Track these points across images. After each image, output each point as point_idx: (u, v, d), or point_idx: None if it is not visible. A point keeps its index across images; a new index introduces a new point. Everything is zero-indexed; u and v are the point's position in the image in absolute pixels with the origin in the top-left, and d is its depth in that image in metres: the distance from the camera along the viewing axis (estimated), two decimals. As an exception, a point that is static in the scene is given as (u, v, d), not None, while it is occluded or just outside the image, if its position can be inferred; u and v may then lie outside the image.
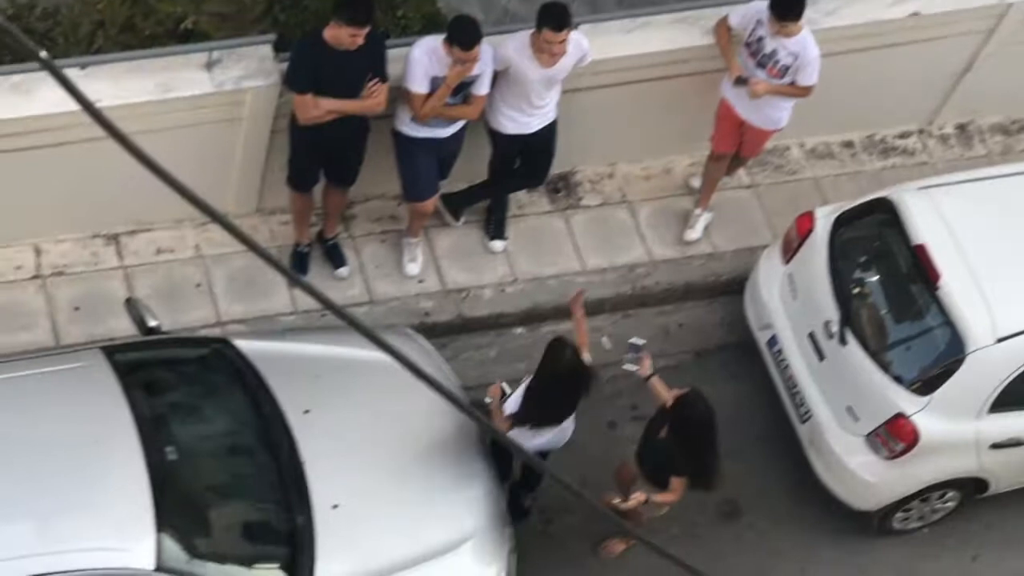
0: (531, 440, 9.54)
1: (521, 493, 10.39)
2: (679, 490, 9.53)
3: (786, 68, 10.60)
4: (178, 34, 10.26)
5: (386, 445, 9.71)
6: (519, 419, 9.43)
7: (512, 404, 9.50)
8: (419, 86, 9.99)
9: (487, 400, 9.70)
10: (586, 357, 9.45)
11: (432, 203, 10.67)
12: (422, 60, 9.98)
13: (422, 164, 10.40)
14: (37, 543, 8.60)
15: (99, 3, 10.16)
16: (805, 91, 10.76)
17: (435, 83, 10.02)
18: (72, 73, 9.69)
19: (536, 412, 9.50)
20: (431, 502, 9.60)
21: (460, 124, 10.46)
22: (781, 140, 12.12)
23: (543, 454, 9.72)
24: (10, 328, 10.34)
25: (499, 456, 9.99)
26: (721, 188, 11.77)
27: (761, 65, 10.63)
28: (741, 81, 10.72)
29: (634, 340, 9.84)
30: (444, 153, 10.54)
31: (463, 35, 9.87)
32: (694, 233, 11.64)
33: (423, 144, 10.31)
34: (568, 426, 9.69)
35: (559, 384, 9.42)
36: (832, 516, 10.89)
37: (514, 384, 9.73)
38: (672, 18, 11.09)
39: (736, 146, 11.31)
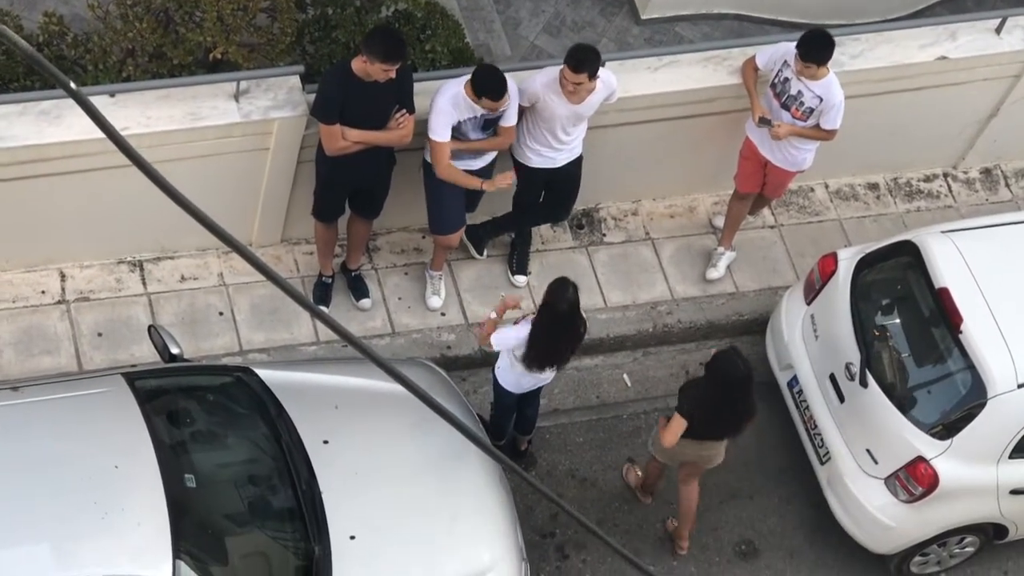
0: (523, 378, 10.07)
1: (517, 437, 10.74)
2: (675, 428, 9.81)
3: (810, 111, 10.62)
4: (207, 64, 10.22)
5: (404, 477, 9.73)
6: (525, 361, 9.82)
7: (504, 339, 9.89)
8: (442, 135, 10.03)
9: (491, 314, 9.99)
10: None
11: (457, 237, 10.69)
12: (446, 110, 10.01)
13: (450, 197, 10.41)
14: (56, 567, 8.64)
15: (129, 31, 10.12)
16: (829, 135, 10.77)
17: (460, 127, 10.08)
18: (101, 101, 9.79)
19: (541, 354, 9.84)
20: (449, 535, 9.61)
21: (491, 156, 10.48)
22: (806, 181, 12.09)
23: (532, 395, 10.37)
24: (33, 352, 10.38)
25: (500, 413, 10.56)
26: (745, 228, 11.76)
27: (785, 107, 10.64)
28: (764, 122, 10.74)
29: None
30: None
31: (492, 85, 9.91)
32: (716, 272, 11.65)
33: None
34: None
35: (561, 323, 9.76)
36: (850, 559, 10.85)
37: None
38: (699, 57, 11.13)
39: (760, 186, 11.31)
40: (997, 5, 12.80)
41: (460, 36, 11.12)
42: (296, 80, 10.24)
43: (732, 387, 9.68)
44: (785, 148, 10.93)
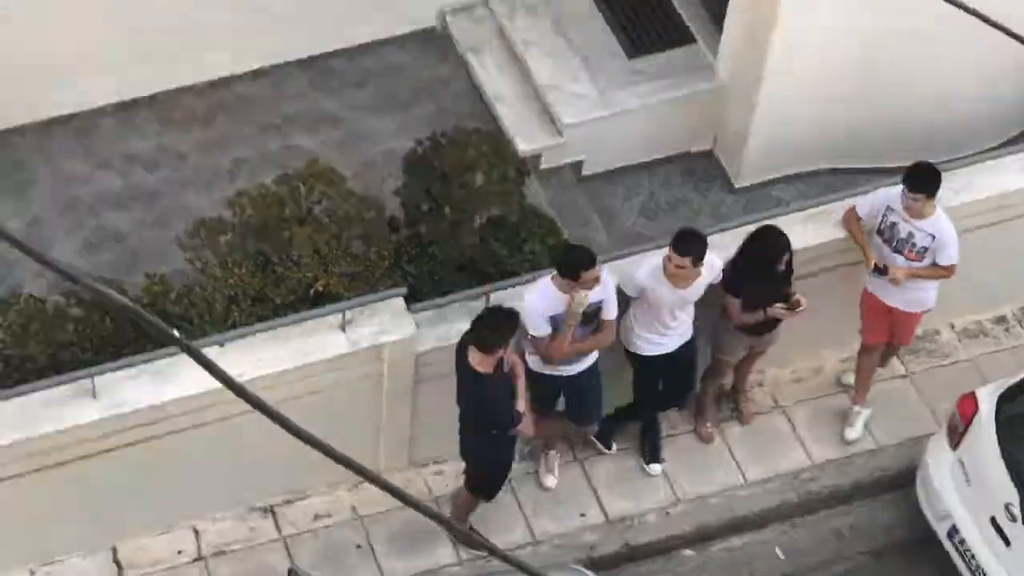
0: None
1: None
2: (733, 308, 10.76)
3: (924, 249, 10.62)
4: (309, 299, 10.37)
5: None
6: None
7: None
8: (542, 329, 10.13)
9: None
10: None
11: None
12: (536, 303, 10.12)
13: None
14: None
15: (230, 278, 10.32)
16: (948, 271, 10.70)
17: (555, 322, 10.16)
18: (211, 352, 9.90)
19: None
20: None
21: (590, 360, 10.57)
22: (929, 324, 12.06)
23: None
24: None
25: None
26: (876, 380, 11.68)
27: (898, 251, 10.65)
28: (879, 270, 10.71)
29: None
30: (572, 389, 10.67)
31: (581, 258, 10.05)
32: (854, 432, 11.51)
33: (546, 379, 10.51)
34: None
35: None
36: None
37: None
38: (799, 217, 11.19)
39: (887, 335, 11.30)
40: None
41: (556, 233, 11.27)
42: (400, 302, 10.35)
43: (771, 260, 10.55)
44: (907, 291, 10.92)
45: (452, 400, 10.38)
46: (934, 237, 10.61)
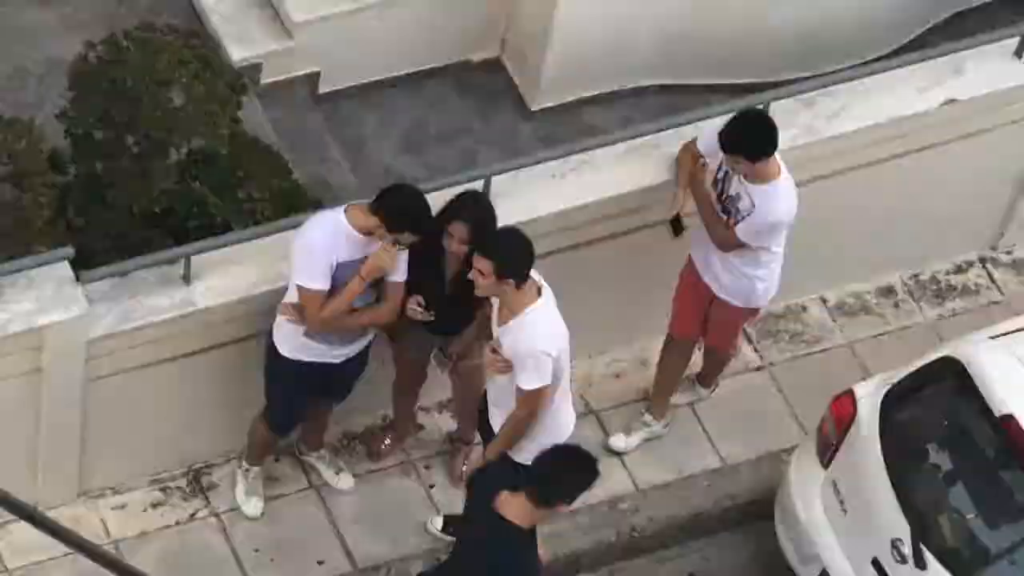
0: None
1: None
2: None
3: (743, 219, 11.62)
4: None
5: None
6: None
7: None
8: (318, 282, 10.92)
9: None
10: None
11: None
12: (318, 242, 10.93)
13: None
14: None
15: None
16: (746, 248, 11.76)
17: (338, 276, 10.97)
18: None
19: None
20: None
21: (364, 343, 11.52)
22: (795, 298, 13.01)
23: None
24: None
25: None
26: (727, 374, 12.74)
27: (726, 211, 11.65)
28: (675, 224, 11.71)
29: None
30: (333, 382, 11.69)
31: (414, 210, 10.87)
32: (620, 442, 12.70)
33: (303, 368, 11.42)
34: None
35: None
36: None
37: None
38: (620, 150, 12.04)
39: (701, 329, 12.35)
40: (1010, 20, 13.82)
41: (284, 172, 12.17)
42: (65, 268, 10.95)
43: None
44: (728, 271, 11.90)
45: (135, 406, 11.14)
46: (754, 207, 11.49)
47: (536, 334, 11.16)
